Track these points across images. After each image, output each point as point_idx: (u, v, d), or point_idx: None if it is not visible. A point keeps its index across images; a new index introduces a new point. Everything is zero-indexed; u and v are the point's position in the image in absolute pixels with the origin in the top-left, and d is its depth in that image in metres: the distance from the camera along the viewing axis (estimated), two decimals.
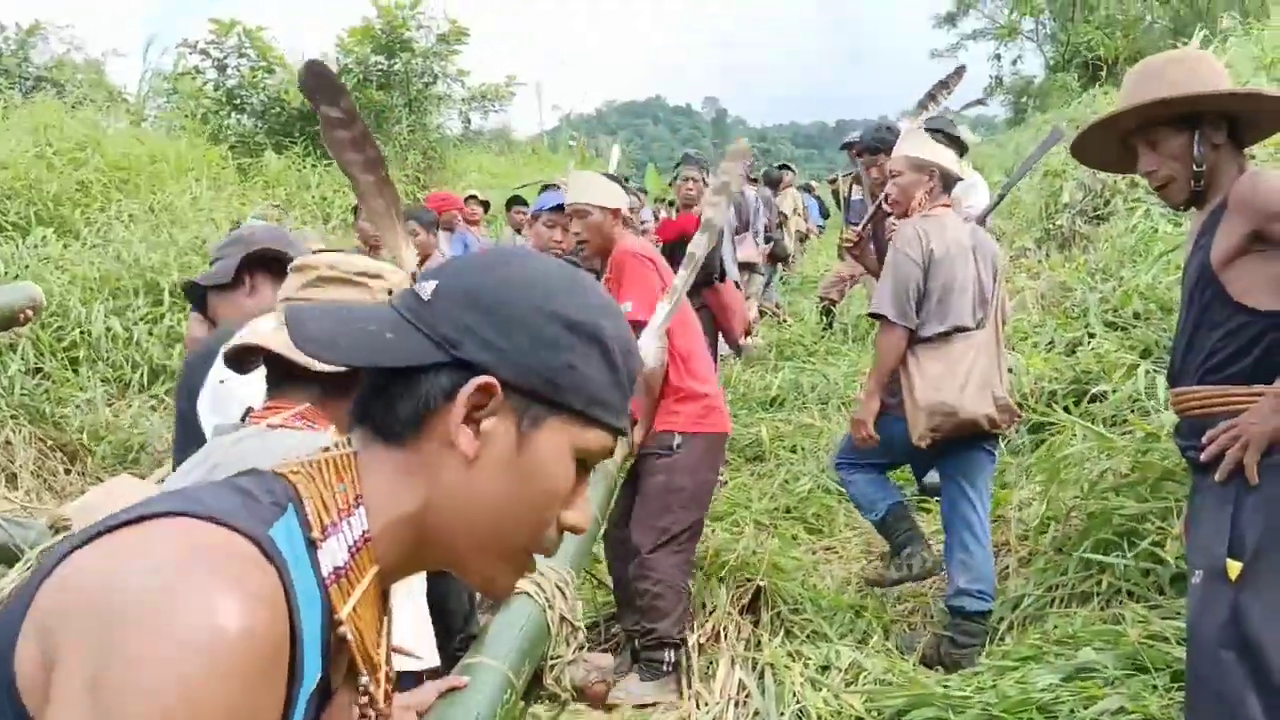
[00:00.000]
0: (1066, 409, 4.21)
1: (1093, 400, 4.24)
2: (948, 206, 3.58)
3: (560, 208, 4.41)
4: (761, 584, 3.53)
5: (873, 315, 3.55)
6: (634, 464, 3.46)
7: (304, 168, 9.97)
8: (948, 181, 3.56)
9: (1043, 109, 15.70)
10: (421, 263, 6.26)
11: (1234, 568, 1.95)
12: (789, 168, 12.62)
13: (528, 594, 2.14)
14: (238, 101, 11.13)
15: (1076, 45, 17.37)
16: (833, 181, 12.52)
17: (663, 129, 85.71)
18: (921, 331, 3.39)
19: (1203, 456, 2.01)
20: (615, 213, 3.49)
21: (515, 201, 8.47)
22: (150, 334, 6.14)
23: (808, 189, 14.72)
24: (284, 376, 1.54)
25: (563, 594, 2.23)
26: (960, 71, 4.74)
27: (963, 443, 3.40)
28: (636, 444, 3.45)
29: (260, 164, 9.75)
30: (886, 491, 3.65)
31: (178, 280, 6.46)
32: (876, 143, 4.55)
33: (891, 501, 3.61)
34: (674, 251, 5.80)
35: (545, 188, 6.13)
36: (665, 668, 3.30)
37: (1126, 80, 2.30)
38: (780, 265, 10.42)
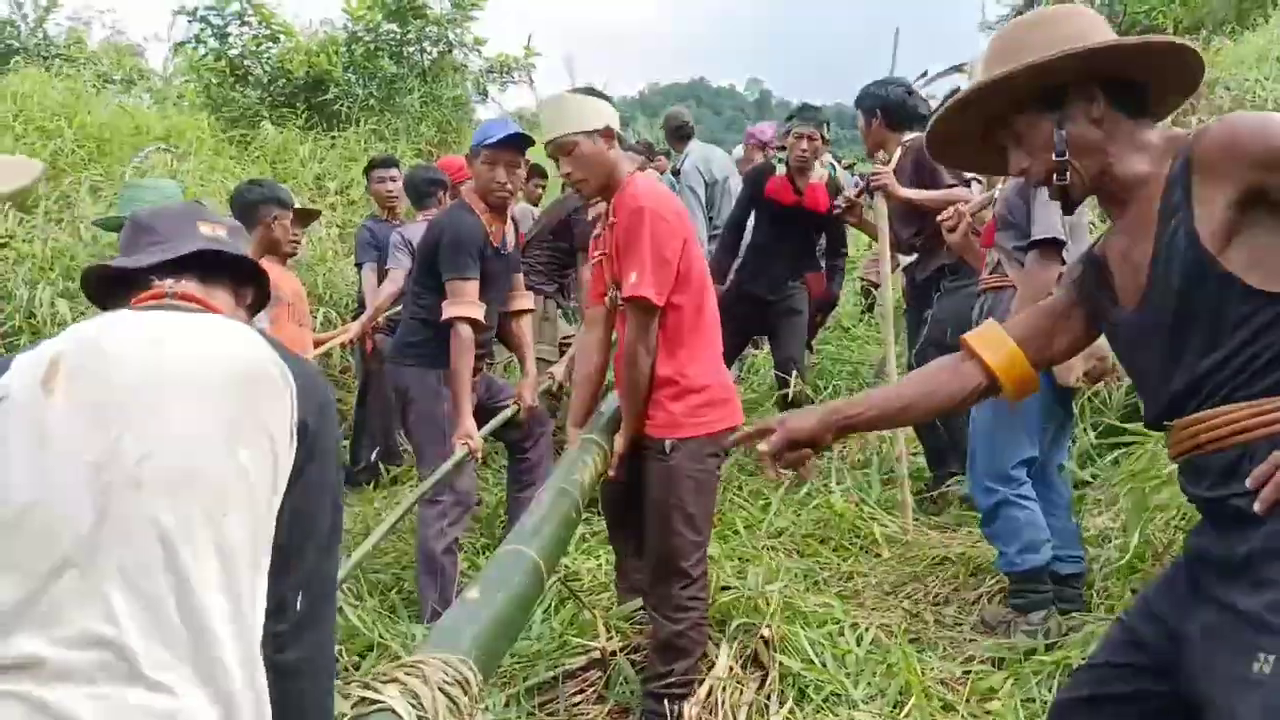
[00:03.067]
0: None
1: None
2: None
3: (506, 142, 3.55)
4: (766, 633, 2.82)
5: (1036, 243, 3.07)
6: (636, 472, 2.85)
7: (305, 140, 9.32)
8: None
9: None
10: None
11: None
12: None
13: (393, 714, 1.45)
14: (241, 72, 10.52)
15: (1135, 15, 16.37)
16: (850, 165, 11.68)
17: (705, 111, 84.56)
18: None
19: (1258, 506, 1.34)
20: (606, 134, 2.77)
21: (534, 173, 8.00)
22: None
23: (849, 168, 13.92)
24: None
25: (454, 704, 1.54)
26: None
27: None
28: (618, 453, 2.87)
29: (258, 136, 9.09)
30: (1045, 538, 3.19)
31: None
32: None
33: (1050, 556, 3.19)
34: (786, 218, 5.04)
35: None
36: None
37: (982, 56, 1.67)
38: None
